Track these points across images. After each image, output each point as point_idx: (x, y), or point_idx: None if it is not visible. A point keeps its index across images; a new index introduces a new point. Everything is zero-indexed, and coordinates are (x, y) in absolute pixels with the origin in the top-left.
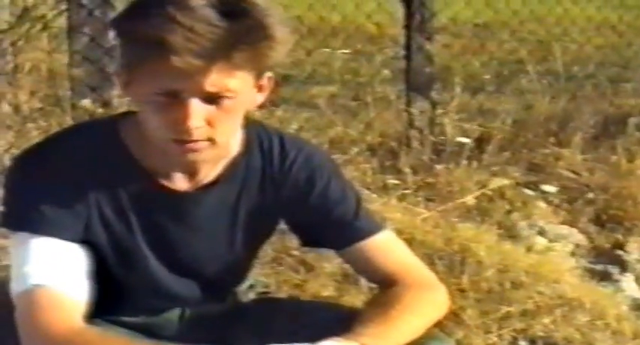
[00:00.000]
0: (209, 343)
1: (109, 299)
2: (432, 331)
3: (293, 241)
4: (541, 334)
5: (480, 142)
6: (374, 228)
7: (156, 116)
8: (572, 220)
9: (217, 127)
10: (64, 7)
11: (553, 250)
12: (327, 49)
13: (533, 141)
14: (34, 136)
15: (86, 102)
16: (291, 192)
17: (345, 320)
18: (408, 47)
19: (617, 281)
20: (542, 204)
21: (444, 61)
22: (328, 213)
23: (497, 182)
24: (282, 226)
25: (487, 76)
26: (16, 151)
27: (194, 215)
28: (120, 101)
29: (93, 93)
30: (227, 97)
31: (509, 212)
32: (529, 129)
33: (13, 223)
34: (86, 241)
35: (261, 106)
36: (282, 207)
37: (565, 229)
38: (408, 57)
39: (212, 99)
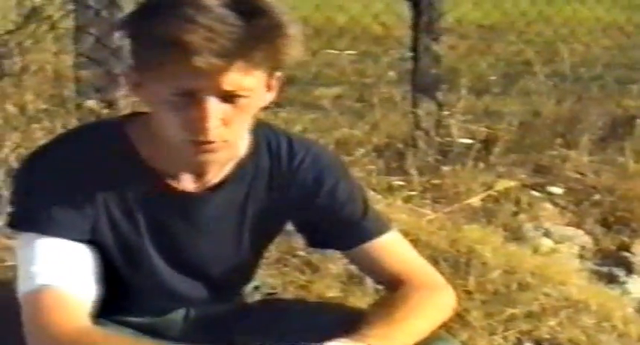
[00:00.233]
0: (214, 343)
1: (115, 299)
2: (437, 332)
3: (298, 242)
4: (547, 336)
5: (486, 144)
6: (381, 229)
7: (172, 117)
8: (579, 222)
9: (232, 126)
10: (70, 7)
11: (559, 251)
12: (333, 50)
13: (540, 142)
14: (40, 136)
15: (91, 103)
16: (298, 192)
17: (351, 321)
18: (414, 48)
19: (623, 283)
20: (548, 205)
21: (451, 63)
22: (336, 213)
23: (504, 184)
24: (288, 226)
25: (493, 78)
26: (21, 152)
27: (201, 216)
28: (125, 102)
29: (98, 94)
30: (243, 95)
31: (515, 214)
32: (536, 130)
33: (20, 224)
34: (93, 241)
35: (265, 107)
36: (289, 207)
37: (571, 231)
38: (414, 58)
39: (228, 98)
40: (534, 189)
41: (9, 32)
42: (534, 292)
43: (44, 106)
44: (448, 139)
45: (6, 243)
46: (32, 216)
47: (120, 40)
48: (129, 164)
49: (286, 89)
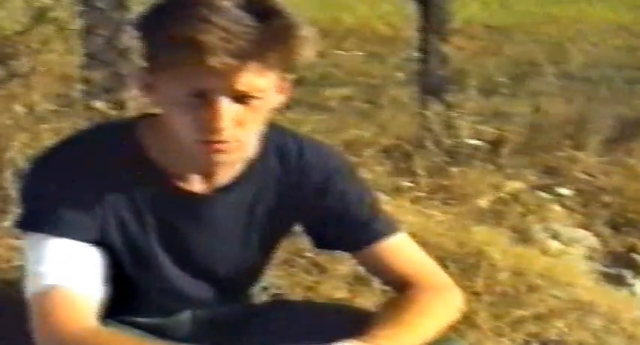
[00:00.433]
0: (222, 344)
1: (123, 300)
2: (445, 333)
3: (306, 242)
4: (555, 337)
5: (495, 145)
6: (390, 230)
7: (184, 117)
8: (587, 224)
9: (244, 127)
10: (79, 9)
11: (567, 253)
12: (340, 51)
13: (549, 144)
14: (48, 137)
15: (99, 103)
16: (307, 194)
17: (359, 322)
18: (423, 49)
19: (631, 285)
20: (557, 207)
21: (459, 63)
22: (344, 215)
23: (512, 185)
24: (295, 227)
25: (502, 79)
26: (29, 152)
27: (210, 217)
28: (133, 103)
29: (106, 94)
30: (256, 96)
31: (523, 215)
32: (544, 131)
33: (28, 225)
34: (101, 241)
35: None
36: (298, 209)
37: (580, 233)
38: (422, 59)
39: (240, 99)
40: (543, 190)
41: (18, 33)
42: (542, 294)
43: (52, 107)
44: (456, 140)
45: (13, 243)
46: (41, 217)
47: (128, 41)
48: (138, 165)
49: (294, 90)
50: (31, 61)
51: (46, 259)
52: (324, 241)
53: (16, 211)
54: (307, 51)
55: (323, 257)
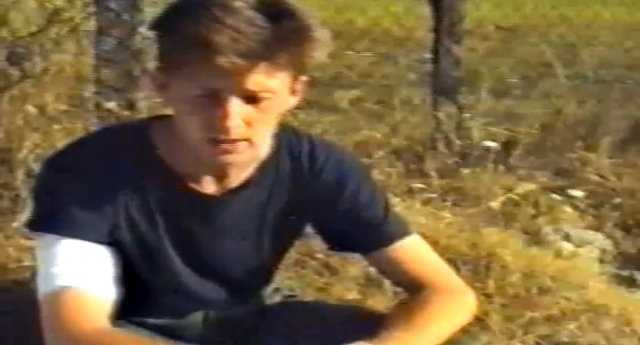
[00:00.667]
0: None
1: (134, 301)
2: (456, 335)
3: (317, 244)
4: (566, 340)
5: (507, 146)
6: (402, 232)
7: (194, 116)
8: (599, 225)
9: (255, 127)
10: (91, 10)
11: (579, 255)
12: (352, 52)
13: (561, 145)
14: (59, 137)
15: (111, 104)
16: (320, 195)
17: (370, 324)
18: (435, 51)
19: None
20: (568, 209)
21: (471, 65)
22: (357, 217)
23: (524, 187)
24: (306, 229)
25: (514, 80)
26: (41, 152)
27: (222, 218)
28: (145, 103)
29: (118, 95)
30: (266, 97)
31: (535, 217)
32: (556, 133)
33: (41, 225)
34: (113, 242)
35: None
36: (310, 211)
37: (591, 234)
38: (435, 60)
39: (251, 99)
40: (555, 192)
41: (31, 34)
42: (554, 296)
43: (64, 107)
44: (468, 141)
45: (24, 243)
46: (53, 218)
47: (141, 42)
48: (150, 166)
49: (306, 91)
50: (43, 61)
51: (58, 260)
52: (336, 243)
53: (27, 211)
54: (319, 53)
55: (334, 259)
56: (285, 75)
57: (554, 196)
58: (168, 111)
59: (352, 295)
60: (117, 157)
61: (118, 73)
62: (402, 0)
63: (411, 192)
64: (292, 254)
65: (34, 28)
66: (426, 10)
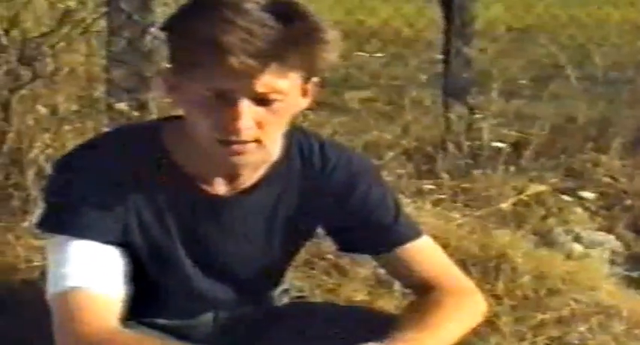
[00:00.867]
0: None
1: (144, 302)
2: (466, 337)
3: (326, 245)
4: (576, 342)
5: (518, 148)
6: (412, 234)
7: (204, 117)
8: (610, 227)
9: (265, 128)
10: (103, 10)
11: (589, 256)
12: (363, 53)
13: (571, 146)
14: (70, 137)
15: (122, 105)
16: (330, 197)
17: (380, 325)
18: (446, 51)
19: None
20: (579, 210)
21: (481, 66)
22: (367, 218)
23: (535, 188)
24: (317, 230)
25: (525, 81)
26: (52, 153)
27: (232, 219)
28: (156, 104)
29: (129, 96)
30: (276, 99)
31: (545, 218)
32: (567, 134)
33: (51, 226)
34: (123, 243)
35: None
36: (321, 212)
37: (602, 236)
38: (446, 61)
39: (261, 100)
40: (565, 193)
41: (42, 35)
42: (564, 298)
43: (75, 108)
44: (479, 142)
45: (33, 243)
46: (64, 218)
47: (152, 43)
48: (160, 167)
49: (317, 92)
50: (54, 62)
51: (69, 260)
52: (346, 244)
53: (37, 211)
54: (330, 55)
55: (344, 260)
56: (296, 76)
57: (565, 197)
58: (179, 112)
59: (361, 297)
60: (128, 158)
61: (129, 73)
62: (413, 1)
63: (421, 193)
64: (301, 255)
65: (45, 29)
66: (437, 11)
